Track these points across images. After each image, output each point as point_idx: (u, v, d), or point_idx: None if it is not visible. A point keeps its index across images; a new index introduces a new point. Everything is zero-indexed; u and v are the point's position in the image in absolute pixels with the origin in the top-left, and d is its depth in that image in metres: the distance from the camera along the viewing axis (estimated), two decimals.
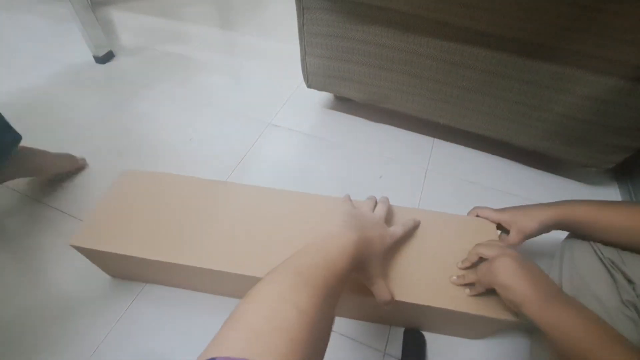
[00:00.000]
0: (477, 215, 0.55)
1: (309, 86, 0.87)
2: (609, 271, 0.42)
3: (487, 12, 0.56)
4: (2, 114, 0.63)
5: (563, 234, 0.51)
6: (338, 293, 0.32)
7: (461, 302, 0.45)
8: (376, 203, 0.51)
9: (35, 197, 0.74)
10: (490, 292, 0.43)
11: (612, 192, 0.77)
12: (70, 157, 0.77)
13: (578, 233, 0.48)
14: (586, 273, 0.43)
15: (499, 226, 0.53)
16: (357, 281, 0.43)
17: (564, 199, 0.72)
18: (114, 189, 0.59)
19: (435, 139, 0.87)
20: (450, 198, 0.74)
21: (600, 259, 0.43)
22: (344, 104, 0.96)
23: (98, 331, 0.56)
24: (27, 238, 0.67)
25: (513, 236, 0.49)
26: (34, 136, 0.70)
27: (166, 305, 0.59)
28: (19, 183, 0.75)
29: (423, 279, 0.48)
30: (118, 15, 1.38)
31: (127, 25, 1.33)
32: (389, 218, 0.52)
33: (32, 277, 0.62)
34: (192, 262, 0.50)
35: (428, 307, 0.45)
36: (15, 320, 0.57)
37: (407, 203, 0.72)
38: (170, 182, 0.60)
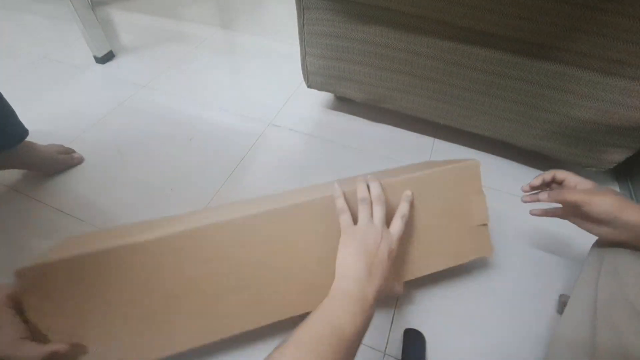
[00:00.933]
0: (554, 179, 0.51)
1: (309, 86, 0.87)
2: None
3: (487, 12, 0.56)
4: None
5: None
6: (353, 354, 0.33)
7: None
8: (371, 202, 0.46)
9: (30, 195, 0.74)
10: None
11: None
12: (67, 151, 0.79)
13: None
14: (628, 284, 0.38)
15: None
16: None
17: None
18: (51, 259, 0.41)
19: (436, 139, 0.87)
20: None
21: None
22: (344, 104, 0.96)
23: None
24: (21, 235, 0.67)
25: (594, 232, 0.45)
26: (34, 136, 0.71)
27: None
28: (14, 178, 0.75)
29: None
30: (118, 15, 1.38)
31: (127, 25, 1.33)
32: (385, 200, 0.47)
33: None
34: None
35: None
36: None
37: None
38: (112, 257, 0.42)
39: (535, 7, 0.53)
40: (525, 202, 0.54)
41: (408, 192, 0.50)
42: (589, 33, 0.53)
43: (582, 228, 0.46)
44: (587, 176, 0.49)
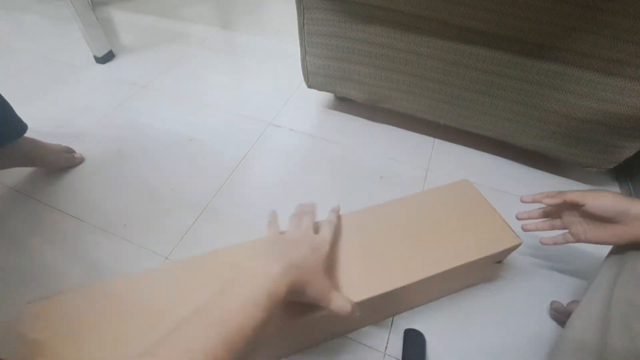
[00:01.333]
0: (565, 201, 0.47)
1: (309, 86, 0.87)
2: None
3: (487, 12, 0.56)
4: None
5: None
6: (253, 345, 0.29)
7: (443, 260, 0.46)
8: (313, 220, 0.46)
9: (31, 195, 0.74)
10: (458, 237, 0.48)
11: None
12: (69, 151, 0.80)
13: None
14: None
15: None
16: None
17: None
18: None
19: (436, 139, 0.87)
20: None
21: None
22: (344, 104, 0.96)
23: None
24: (21, 234, 0.68)
25: (605, 235, 0.42)
26: (34, 136, 0.71)
27: None
28: (14, 179, 0.76)
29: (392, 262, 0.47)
30: (118, 15, 1.38)
31: (127, 25, 1.33)
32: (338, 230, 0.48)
33: (28, 276, 0.62)
34: None
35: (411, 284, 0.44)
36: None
37: None
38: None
39: (535, 7, 0.53)
40: (520, 219, 0.54)
41: (335, 206, 0.51)
42: (589, 33, 0.53)
43: (597, 240, 0.44)
44: (587, 176, 0.49)
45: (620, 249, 0.43)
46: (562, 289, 0.60)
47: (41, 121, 0.77)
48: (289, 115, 0.94)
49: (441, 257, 0.47)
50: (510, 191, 0.76)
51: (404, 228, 0.51)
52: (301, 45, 0.78)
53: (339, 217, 0.50)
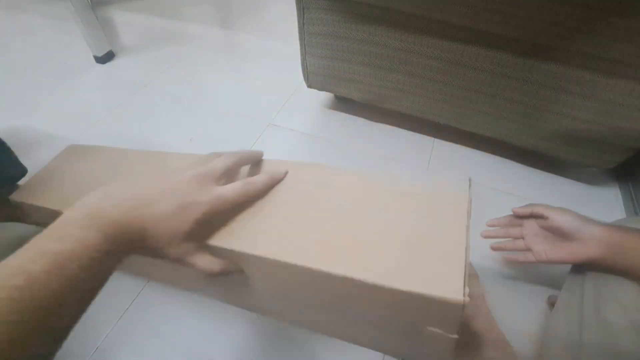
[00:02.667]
0: (532, 213, 0.50)
1: (309, 86, 0.87)
2: None
3: (487, 12, 0.56)
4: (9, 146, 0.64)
5: None
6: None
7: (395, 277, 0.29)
8: (232, 165, 0.35)
9: None
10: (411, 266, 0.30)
11: (612, 193, 0.76)
12: None
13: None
14: (615, 282, 0.39)
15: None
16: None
17: (564, 199, 0.72)
18: (56, 163, 0.56)
19: (436, 139, 0.87)
20: None
21: None
22: (344, 104, 0.96)
23: (99, 328, 0.56)
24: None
25: (563, 253, 0.44)
26: (34, 136, 0.71)
27: (167, 307, 0.59)
28: None
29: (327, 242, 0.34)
30: (118, 15, 1.38)
31: (127, 25, 1.33)
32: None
33: None
34: None
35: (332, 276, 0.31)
36: None
37: None
38: (117, 158, 0.54)
39: (536, 7, 0.53)
40: (486, 237, 0.57)
41: (279, 169, 0.38)
42: (589, 33, 0.53)
43: (556, 258, 0.45)
44: (587, 176, 0.49)
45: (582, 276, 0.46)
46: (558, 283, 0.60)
47: (41, 121, 0.76)
48: (288, 115, 0.94)
49: (357, 263, 0.32)
50: (511, 191, 0.76)
51: (349, 208, 0.38)
52: (301, 45, 0.78)
53: (272, 178, 0.37)
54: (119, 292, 0.60)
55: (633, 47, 0.52)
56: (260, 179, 0.35)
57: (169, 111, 0.95)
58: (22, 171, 0.68)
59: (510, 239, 0.55)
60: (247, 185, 0.34)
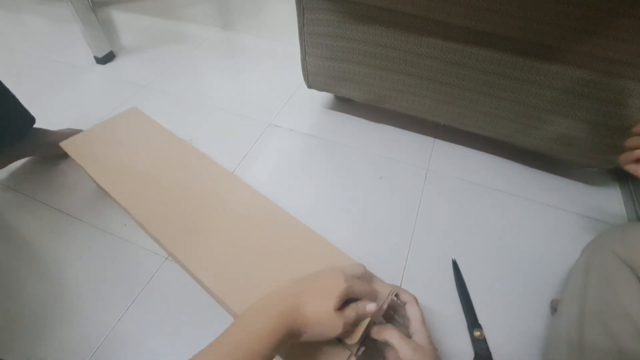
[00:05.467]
0: None
1: (309, 86, 0.87)
2: None
3: (487, 12, 0.56)
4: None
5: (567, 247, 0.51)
6: None
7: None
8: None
9: (31, 195, 0.74)
10: None
11: (612, 192, 0.76)
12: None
13: None
14: (619, 288, 0.40)
15: None
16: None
17: (564, 198, 0.72)
18: (117, 122, 0.73)
19: (436, 139, 0.87)
20: (451, 198, 0.74)
21: (639, 278, 0.39)
22: (344, 104, 0.96)
23: (99, 329, 0.56)
24: (21, 234, 0.68)
25: None
26: None
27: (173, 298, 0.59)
28: (14, 178, 0.76)
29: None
30: (119, 16, 1.39)
31: (128, 25, 1.33)
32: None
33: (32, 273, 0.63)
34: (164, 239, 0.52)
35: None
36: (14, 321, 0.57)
37: (407, 203, 0.73)
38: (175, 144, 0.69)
39: (536, 7, 0.53)
40: None
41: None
42: (589, 33, 0.53)
43: None
44: (587, 176, 0.49)
45: (587, 253, 0.46)
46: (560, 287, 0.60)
47: (41, 122, 0.77)
48: (289, 116, 0.94)
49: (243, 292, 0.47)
50: (511, 191, 0.76)
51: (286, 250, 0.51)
52: (301, 45, 0.78)
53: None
54: (119, 292, 0.60)
55: (633, 47, 0.52)
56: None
57: (169, 111, 0.95)
58: (31, 120, 0.72)
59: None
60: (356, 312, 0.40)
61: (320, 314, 0.38)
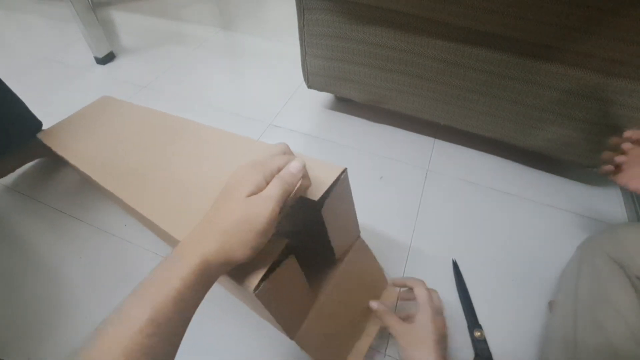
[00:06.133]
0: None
1: (309, 86, 0.87)
2: (636, 290, 0.40)
3: (487, 12, 0.56)
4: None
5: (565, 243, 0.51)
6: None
7: None
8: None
9: (31, 195, 0.74)
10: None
11: (612, 193, 0.76)
12: None
13: None
14: (610, 287, 0.41)
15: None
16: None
17: (564, 199, 0.72)
18: (89, 110, 0.74)
19: (436, 140, 0.87)
20: (451, 198, 0.74)
21: (629, 277, 0.41)
22: (344, 104, 0.96)
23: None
24: (20, 234, 0.68)
25: None
26: None
27: None
28: (13, 178, 0.76)
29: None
30: (119, 16, 1.39)
31: (128, 26, 1.33)
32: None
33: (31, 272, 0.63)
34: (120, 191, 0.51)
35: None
36: (13, 318, 0.57)
37: (407, 203, 0.73)
38: (140, 114, 0.70)
39: (536, 8, 0.53)
40: None
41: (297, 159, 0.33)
42: (589, 33, 0.53)
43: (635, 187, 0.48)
44: (587, 176, 0.49)
45: (581, 250, 0.49)
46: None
47: (41, 122, 0.77)
48: (289, 116, 0.94)
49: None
50: (511, 191, 0.76)
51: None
52: (301, 45, 0.78)
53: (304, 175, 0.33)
54: (119, 291, 0.60)
55: (633, 47, 0.52)
56: (289, 175, 0.33)
57: (169, 111, 0.95)
58: (38, 125, 0.75)
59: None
60: (284, 179, 0.32)
61: (238, 212, 0.30)
